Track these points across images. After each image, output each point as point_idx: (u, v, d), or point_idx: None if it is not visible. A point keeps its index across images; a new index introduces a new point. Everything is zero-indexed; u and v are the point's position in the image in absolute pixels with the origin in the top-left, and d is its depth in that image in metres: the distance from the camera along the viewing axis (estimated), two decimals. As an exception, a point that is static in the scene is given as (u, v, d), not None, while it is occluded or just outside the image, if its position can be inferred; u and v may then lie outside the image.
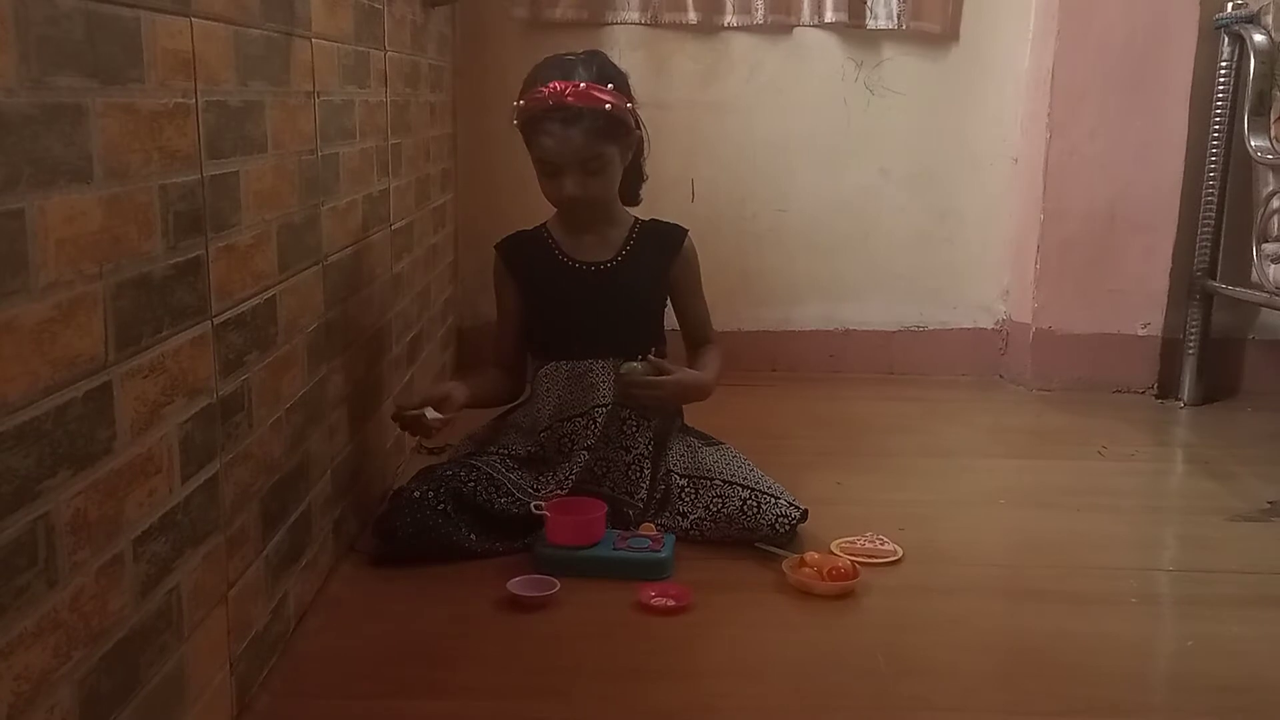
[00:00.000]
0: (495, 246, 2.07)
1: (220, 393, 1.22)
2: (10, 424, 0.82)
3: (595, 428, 1.93)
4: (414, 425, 1.85)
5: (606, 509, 1.82)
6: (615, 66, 1.99)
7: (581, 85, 1.89)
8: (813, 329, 3.11)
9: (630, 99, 1.97)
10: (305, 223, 1.54)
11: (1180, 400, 2.91)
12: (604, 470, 1.92)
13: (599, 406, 1.94)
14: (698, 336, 2.14)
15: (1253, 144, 2.71)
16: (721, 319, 3.00)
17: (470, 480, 1.81)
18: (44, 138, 0.86)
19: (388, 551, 1.77)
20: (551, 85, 1.89)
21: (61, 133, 0.89)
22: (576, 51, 2.00)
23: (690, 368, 2.06)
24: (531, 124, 1.93)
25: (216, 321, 1.21)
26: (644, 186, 2.11)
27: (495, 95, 2.93)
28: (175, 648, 1.12)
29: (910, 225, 3.08)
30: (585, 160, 1.92)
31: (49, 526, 0.87)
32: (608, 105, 1.91)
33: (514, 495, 1.83)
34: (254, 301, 1.33)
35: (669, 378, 1.95)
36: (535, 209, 2.10)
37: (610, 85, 1.93)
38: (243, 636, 1.32)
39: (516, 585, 1.66)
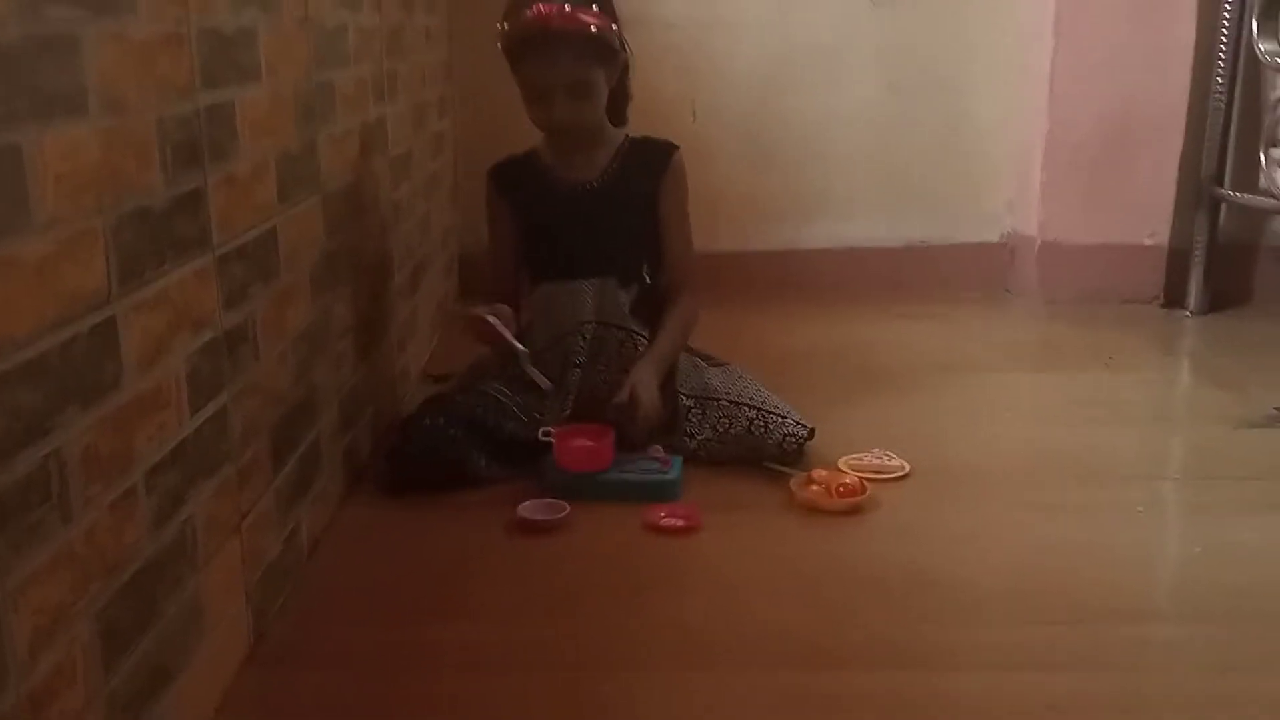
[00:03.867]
0: (487, 172, 2.06)
1: (225, 325, 1.22)
2: (18, 360, 0.82)
3: (583, 344, 1.91)
4: (478, 326, 1.84)
5: (614, 433, 1.82)
6: None
7: (566, 8, 1.86)
8: (819, 247, 3.09)
9: (615, 20, 1.93)
10: (303, 152, 1.52)
11: (1187, 310, 2.90)
12: (606, 393, 1.91)
13: (586, 323, 1.91)
14: (674, 275, 2.06)
15: (1261, 47, 2.66)
16: (728, 239, 3.02)
17: (479, 405, 1.82)
18: (39, 70, 0.85)
19: (398, 479, 1.78)
20: (536, 8, 1.86)
21: (56, 64, 0.88)
22: None
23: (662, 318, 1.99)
24: (516, 48, 1.90)
25: (218, 254, 1.20)
26: (630, 106, 2.07)
27: (490, 18, 2.86)
28: (190, 578, 1.13)
29: (917, 139, 3.05)
30: (571, 85, 1.90)
31: (60, 462, 0.88)
32: (593, 28, 1.88)
33: (522, 419, 1.83)
34: (255, 233, 1.32)
35: (641, 411, 1.84)
36: (532, 134, 2.08)
37: (594, 6, 1.90)
38: (257, 566, 1.33)
39: (526, 509, 1.67)
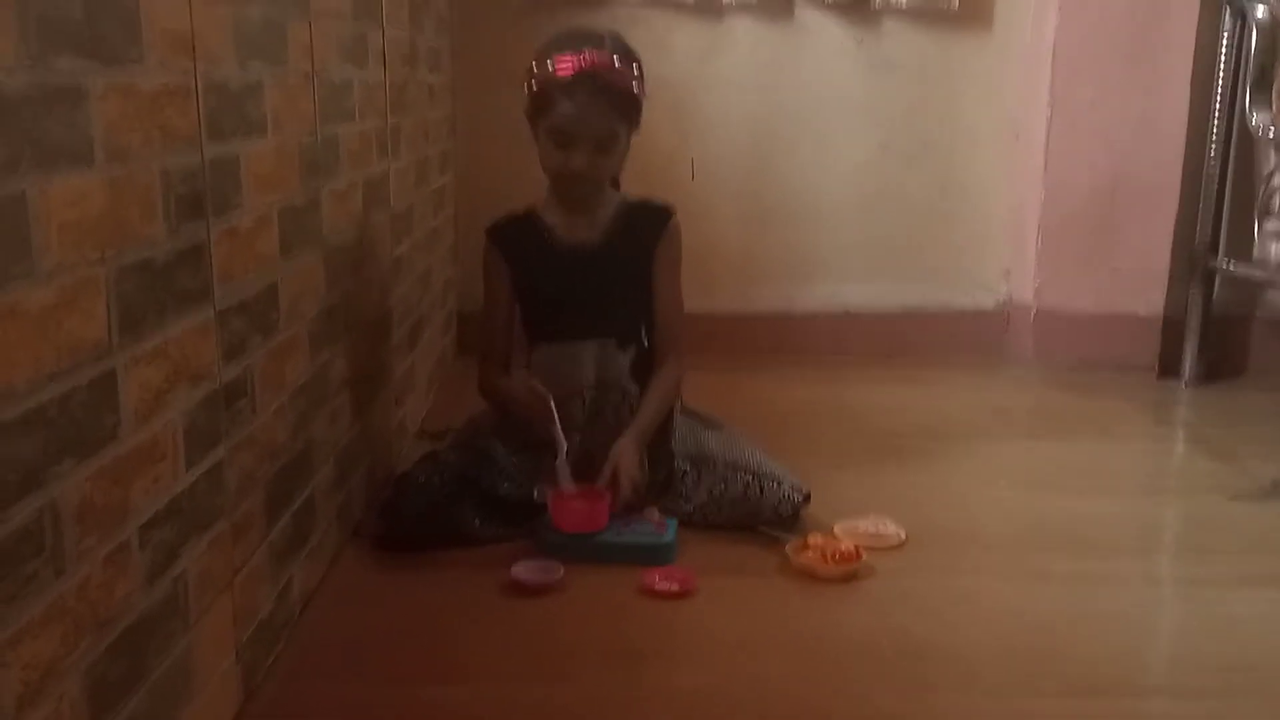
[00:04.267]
0: (486, 231, 2.05)
1: (224, 378, 1.21)
2: (15, 411, 0.81)
3: (584, 408, 1.92)
4: (540, 405, 1.83)
5: (610, 495, 1.80)
6: (635, 52, 1.97)
7: (616, 62, 1.88)
8: (815, 310, 3.10)
9: (644, 87, 1.96)
10: (306, 205, 1.52)
11: (1181, 379, 2.90)
12: (605, 457, 1.90)
13: (587, 388, 1.93)
14: (662, 338, 2.04)
15: (1254, 120, 2.70)
16: (724, 300, 3.03)
17: (474, 464, 1.81)
18: (44, 119, 0.85)
19: (392, 536, 1.76)
20: (586, 54, 1.87)
21: (61, 114, 0.88)
22: (598, 30, 1.98)
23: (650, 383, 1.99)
24: (555, 89, 1.89)
25: (219, 307, 1.20)
26: (621, 177, 2.10)
27: (494, 76, 2.92)
28: (182, 635, 1.11)
29: (912, 203, 3.07)
30: (601, 136, 1.91)
31: (55, 514, 0.87)
32: (634, 87, 1.91)
33: (517, 479, 1.82)
34: (256, 286, 1.32)
35: (623, 493, 1.81)
36: (534, 192, 2.09)
37: (635, 69, 1.93)
38: (248, 623, 1.32)
39: (520, 570, 1.66)
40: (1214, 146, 2.82)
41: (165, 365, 1.06)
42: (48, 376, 0.86)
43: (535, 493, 1.79)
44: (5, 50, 0.80)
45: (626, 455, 1.84)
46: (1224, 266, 2.83)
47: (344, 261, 1.73)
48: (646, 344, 2.03)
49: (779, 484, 1.84)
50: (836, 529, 1.84)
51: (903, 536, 1.85)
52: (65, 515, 0.88)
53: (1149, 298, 2.92)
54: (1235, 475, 2.21)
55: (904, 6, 2.90)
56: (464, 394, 2.09)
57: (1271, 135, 2.66)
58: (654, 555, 1.73)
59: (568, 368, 1.95)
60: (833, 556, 1.71)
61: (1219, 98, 2.79)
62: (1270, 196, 2.65)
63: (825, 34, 2.97)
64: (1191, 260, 2.88)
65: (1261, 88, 2.69)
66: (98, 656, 0.94)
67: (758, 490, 1.83)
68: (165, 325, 1.06)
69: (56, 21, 0.87)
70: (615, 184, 2.08)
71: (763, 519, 1.83)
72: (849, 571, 1.70)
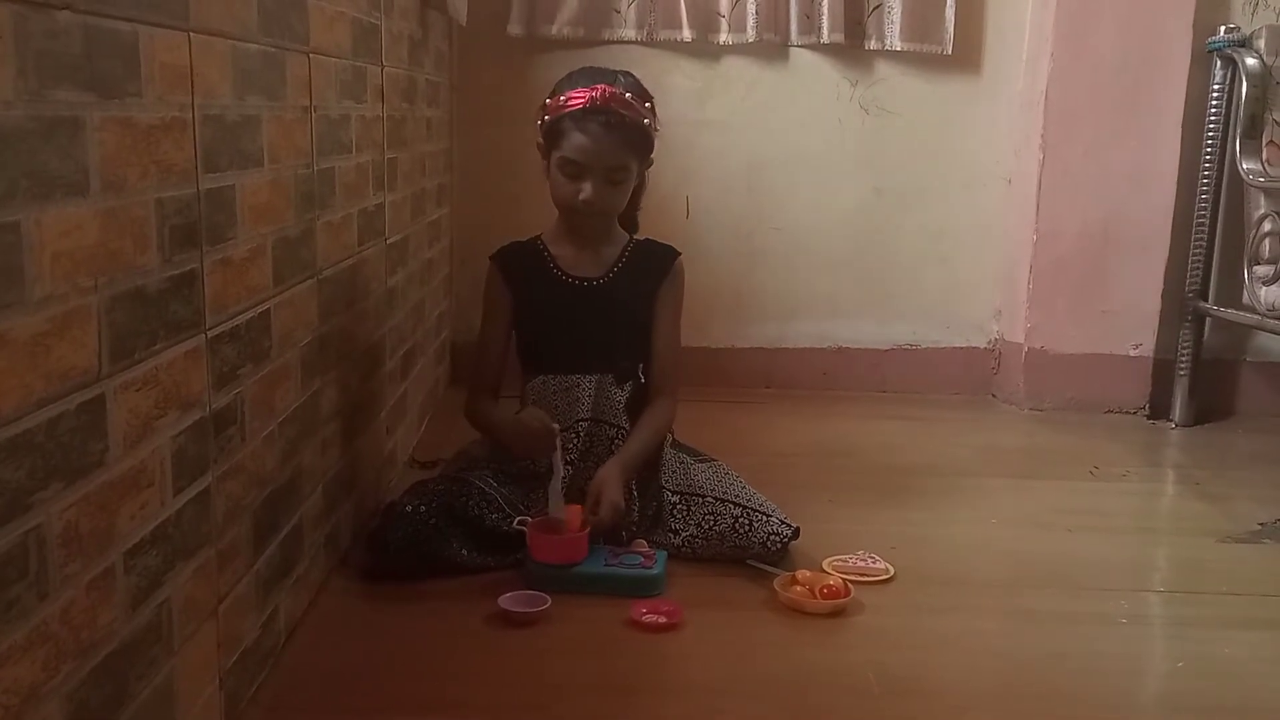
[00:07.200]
0: (491, 257, 2.07)
1: (213, 406, 1.22)
2: (3, 436, 0.82)
3: (578, 441, 1.93)
4: (548, 438, 1.84)
5: (590, 527, 1.80)
6: (648, 91, 2.02)
7: (627, 95, 1.94)
8: (806, 346, 3.11)
9: (656, 125, 2.00)
10: (300, 236, 1.54)
11: (1172, 421, 2.91)
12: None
13: (582, 420, 1.95)
14: (657, 376, 2.06)
15: (1244, 167, 2.72)
16: (716, 336, 3.05)
17: (462, 495, 1.81)
18: (41, 151, 0.86)
19: (379, 566, 1.76)
20: (600, 88, 1.92)
21: (58, 146, 0.89)
22: (612, 69, 2.03)
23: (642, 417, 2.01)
24: (568, 121, 1.93)
25: (210, 334, 1.21)
26: (639, 215, 2.13)
27: (492, 111, 2.95)
28: (165, 662, 1.12)
29: (904, 244, 3.09)
30: (612, 168, 1.94)
31: (40, 539, 0.87)
32: (645, 121, 1.96)
33: (505, 511, 1.83)
34: (248, 315, 1.33)
35: (600, 517, 1.82)
36: (530, 224, 2.11)
37: (649, 105, 1.98)
38: (232, 651, 1.32)
39: (507, 601, 1.66)
40: (1204, 192, 2.85)
41: (155, 392, 1.07)
42: (36, 402, 0.87)
43: (516, 522, 1.79)
44: (4, 83, 0.81)
45: (609, 481, 1.85)
46: (1214, 310, 2.85)
47: (337, 291, 1.74)
48: (643, 381, 2.04)
49: (768, 518, 1.84)
50: (825, 564, 1.85)
51: (891, 572, 1.85)
52: (50, 540, 0.89)
53: (1140, 340, 2.94)
54: (1224, 517, 2.22)
55: (897, 49, 2.93)
56: (456, 424, 2.10)
57: (1261, 182, 2.69)
58: (642, 587, 1.73)
59: (564, 401, 1.97)
60: (821, 591, 1.72)
61: (1210, 145, 2.83)
62: (1259, 242, 2.67)
63: (820, 76, 3.00)
64: (1182, 304, 2.90)
65: (1251, 135, 2.73)
66: (80, 682, 0.94)
67: (747, 524, 1.84)
68: (156, 353, 1.07)
69: (56, 55, 0.88)
70: (631, 224, 2.12)
71: (751, 553, 1.83)
72: (837, 607, 1.71)
